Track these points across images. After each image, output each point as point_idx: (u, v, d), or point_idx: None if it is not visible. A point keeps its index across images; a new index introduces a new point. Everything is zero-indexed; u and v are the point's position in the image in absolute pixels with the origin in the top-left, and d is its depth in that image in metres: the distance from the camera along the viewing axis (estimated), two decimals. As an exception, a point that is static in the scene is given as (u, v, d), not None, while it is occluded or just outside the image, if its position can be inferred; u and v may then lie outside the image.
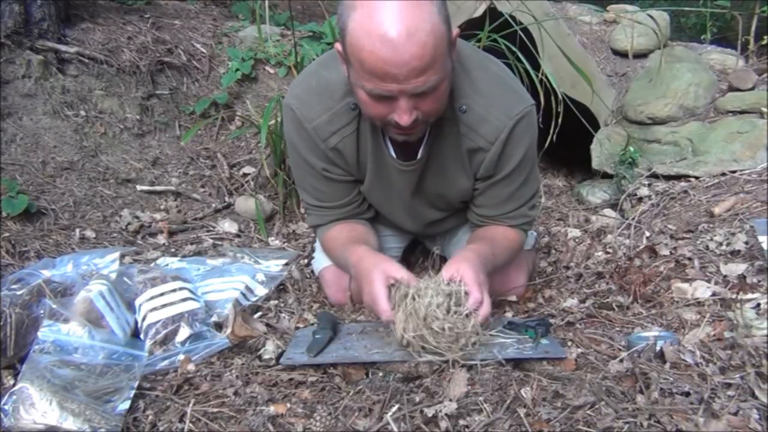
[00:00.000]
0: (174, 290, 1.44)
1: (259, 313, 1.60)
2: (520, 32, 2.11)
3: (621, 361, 1.23)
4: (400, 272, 1.27)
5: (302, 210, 2.30)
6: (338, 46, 1.22)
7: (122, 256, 1.82)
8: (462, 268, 1.25)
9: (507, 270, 1.59)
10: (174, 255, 1.97)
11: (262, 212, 2.24)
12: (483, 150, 1.39)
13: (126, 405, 1.12)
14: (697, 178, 2.31)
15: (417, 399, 1.14)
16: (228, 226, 2.24)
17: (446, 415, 1.06)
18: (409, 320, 1.21)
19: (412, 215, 1.62)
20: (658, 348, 1.24)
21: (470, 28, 2.20)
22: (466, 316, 1.22)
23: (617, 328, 1.44)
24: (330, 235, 1.57)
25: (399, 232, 1.79)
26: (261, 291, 1.68)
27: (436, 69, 1.15)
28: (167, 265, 1.82)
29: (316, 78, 1.42)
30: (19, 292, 1.33)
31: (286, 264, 1.88)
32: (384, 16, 1.09)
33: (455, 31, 1.22)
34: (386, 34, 1.09)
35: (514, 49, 2.06)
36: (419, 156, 1.42)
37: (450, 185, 1.50)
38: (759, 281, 1.48)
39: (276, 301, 1.68)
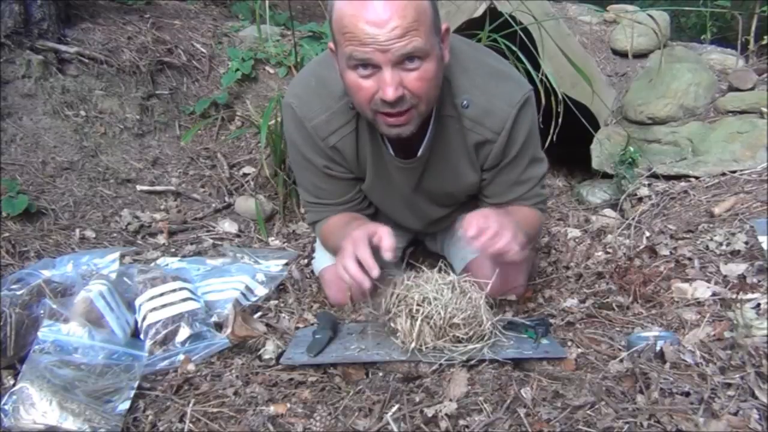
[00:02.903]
0: (174, 290, 1.44)
1: (259, 313, 1.60)
2: (520, 32, 2.11)
3: (621, 361, 1.23)
4: (381, 229, 1.24)
5: (302, 210, 2.30)
6: (330, 44, 1.25)
7: (122, 256, 1.82)
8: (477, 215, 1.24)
9: (506, 270, 1.59)
10: (174, 255, 1.97)
11: (262, 212, 2.24)
12: (490, 142, 1.41)
13: (126, 405, 1.12)
14: (697, 178, 2.31)
15: (417, 399, 1.14)
16: (228, 226, 2.24)
17: (446, 415, 1.06)
18: (425, 328, 1.21)
19: (414, 213, 1.62)
20: (658, 348, 1.24)
21: (470, 28, 2.20)
22: (474, 299, 1.25)
23: (617, 328, 1.44)
24: (330, 222, 1.57)
25: (399, 230, 1.79)
26: (261, 291, 1.68)
27: (419, 34, 1.15)
28: (167, 265, 1.82)
29: (315, 77, 1.43)
30: (19, 292, 1.33)
31: (286, 264, 1.88)
32: None
33: (445, 24, 1.24)
34: None
35: (514, 49, 2.06)
36: (419, 154, 1.43)
37: (457, 182, 1.51)
38: (759, 281, 1.48)
39: (276, 301, 1.68)
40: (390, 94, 1.17)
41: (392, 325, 1.27)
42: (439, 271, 1.31)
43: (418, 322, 1.21)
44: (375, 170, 1.49)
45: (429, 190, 1.54)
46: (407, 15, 1.13)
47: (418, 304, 1.23)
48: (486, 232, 1.20)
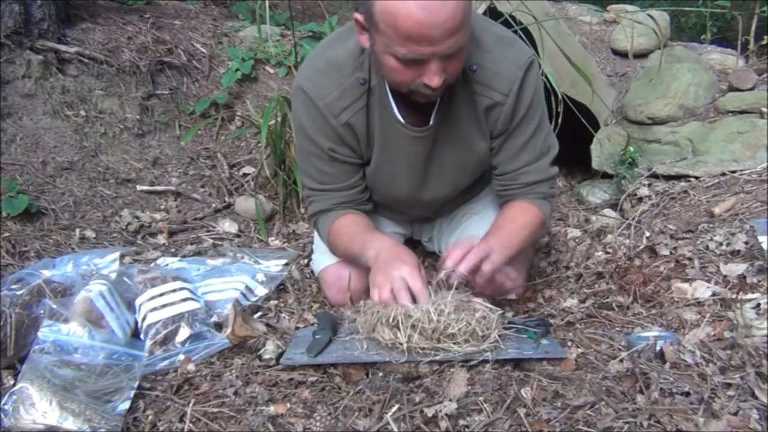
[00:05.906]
0: (174, 290, 1.44)
1: (259, 313, 1.60)
2: (520, 32, 2.11)
3: (621, 361, 1.23)
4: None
5: (302, 210, 2.30)
6: (358, 16, 1.27)
7: (122, 256, 1.82)
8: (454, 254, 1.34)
9: (505, 270, 1.58)
10: (174, 255, 1.97)
11: (262, 212, 2.24)
12: (499, 104, 1.44)
13: (126, 405, 1.12)
14: (697, 178, 2.31)
15: (417, 399, 1.14)
16: (228, 226, 2.24)
17: (446, 415, 1.06)
18: (414, 334, 1.21)
19: (418, 193, 1.61)
20: (658, 348, 1.24)
21: (470, 28, 2.20)
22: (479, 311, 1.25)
23: (617, 328, 1.44)
24: (339, 224, 1.57)
25: (396, 225, 1.80)
26: (261, 291, 1.68)
27: (465, 29, 1.21)
28: (167, 265, 1.82)
29: (323, 58, 1.46)
30: (19, 292, 1.33)
31: (286, 264, 1.88)
32: None
33: None
34: None
35: (514, 49, 2.05)
36: (431, 122, 1.45)
37: (468, 151, 1.52)
38: (759, 281, 1.48)
39: (276, 301, 1.68)
40: (436, 82, 1.24)
41: (380, 340, 1.27)
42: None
43: (405, 330, 1.22)
44: (384, 146, 1.50)
45: (439, 163, 1.54)
46: (457, 15, 1.17)
47: (398, 316, 1.23)
48: (466, 258, 1.31)
